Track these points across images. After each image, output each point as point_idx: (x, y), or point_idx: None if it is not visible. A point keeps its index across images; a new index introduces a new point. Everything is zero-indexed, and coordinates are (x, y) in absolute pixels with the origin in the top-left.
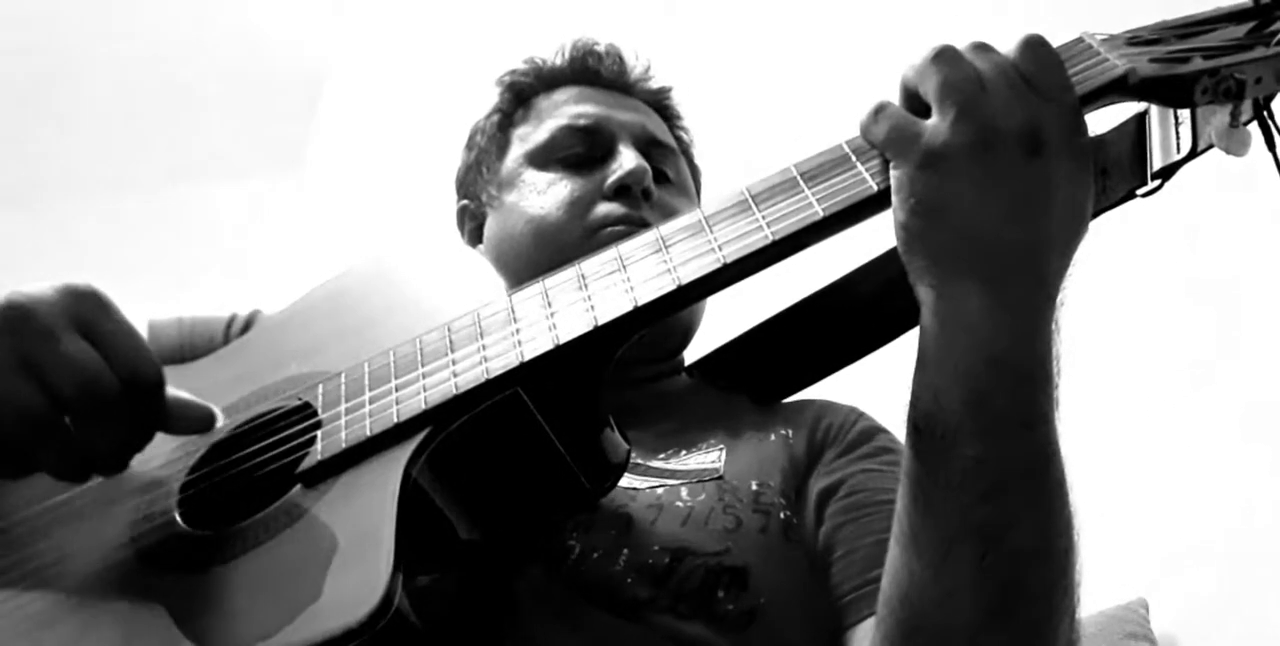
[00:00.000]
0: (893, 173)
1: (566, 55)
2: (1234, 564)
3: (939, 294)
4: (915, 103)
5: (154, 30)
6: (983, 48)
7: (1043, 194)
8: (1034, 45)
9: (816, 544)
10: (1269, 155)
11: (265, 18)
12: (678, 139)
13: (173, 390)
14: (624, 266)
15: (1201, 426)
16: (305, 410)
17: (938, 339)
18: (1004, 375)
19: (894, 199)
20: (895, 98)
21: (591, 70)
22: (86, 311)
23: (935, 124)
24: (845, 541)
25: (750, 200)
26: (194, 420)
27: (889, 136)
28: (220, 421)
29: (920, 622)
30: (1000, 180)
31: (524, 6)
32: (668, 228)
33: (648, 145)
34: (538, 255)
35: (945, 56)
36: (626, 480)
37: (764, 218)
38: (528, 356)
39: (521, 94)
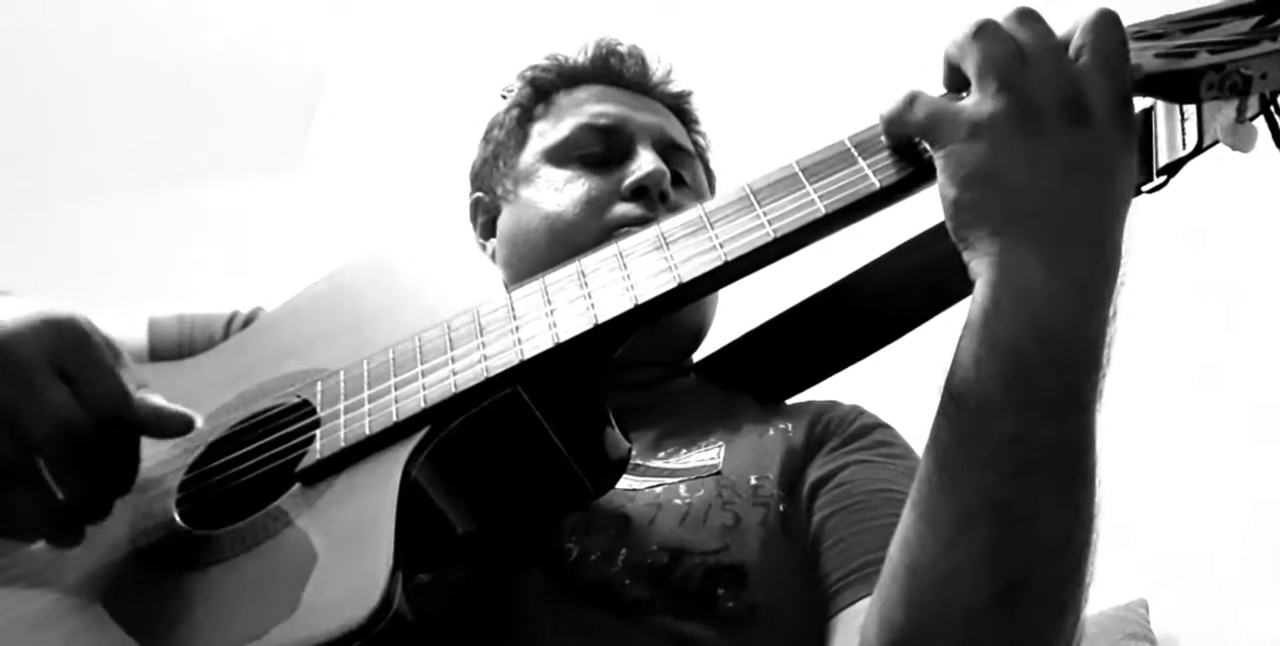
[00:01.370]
0: (937, 153)
1: (589, 54)
2: (1234, 564)
3: (999, 262)
4: (957, 77)
5: (154, 30)
6: (1025, 17)
7: (1094, 162)
8: (1106, 22)
9: (807, 533)
10: (1276, 151)
11: (265, 18)
12: (695, 143)
13: (149, 395)
14: (624, 264)
15: (1205, 426)
16: (304, 408)
17: (989, 309)
18: (1051, 352)
19: (941, 177)
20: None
21: (614, 70)
22: (65, 348)
23: (977, 99)
24: (833, 531)
25: (752, 197)
26: (169, 427)
27: (930, 119)
28: (199, 424)
29: (923, 595)
30: (1048, 148)
31: (523, 7)
32: (669, 224)
33: (666, 148)
34: (551, 252)
35: (985, 31)
36: (626, 481)
37: (765, 214)
38: (528, 355)
39: (542, 89)
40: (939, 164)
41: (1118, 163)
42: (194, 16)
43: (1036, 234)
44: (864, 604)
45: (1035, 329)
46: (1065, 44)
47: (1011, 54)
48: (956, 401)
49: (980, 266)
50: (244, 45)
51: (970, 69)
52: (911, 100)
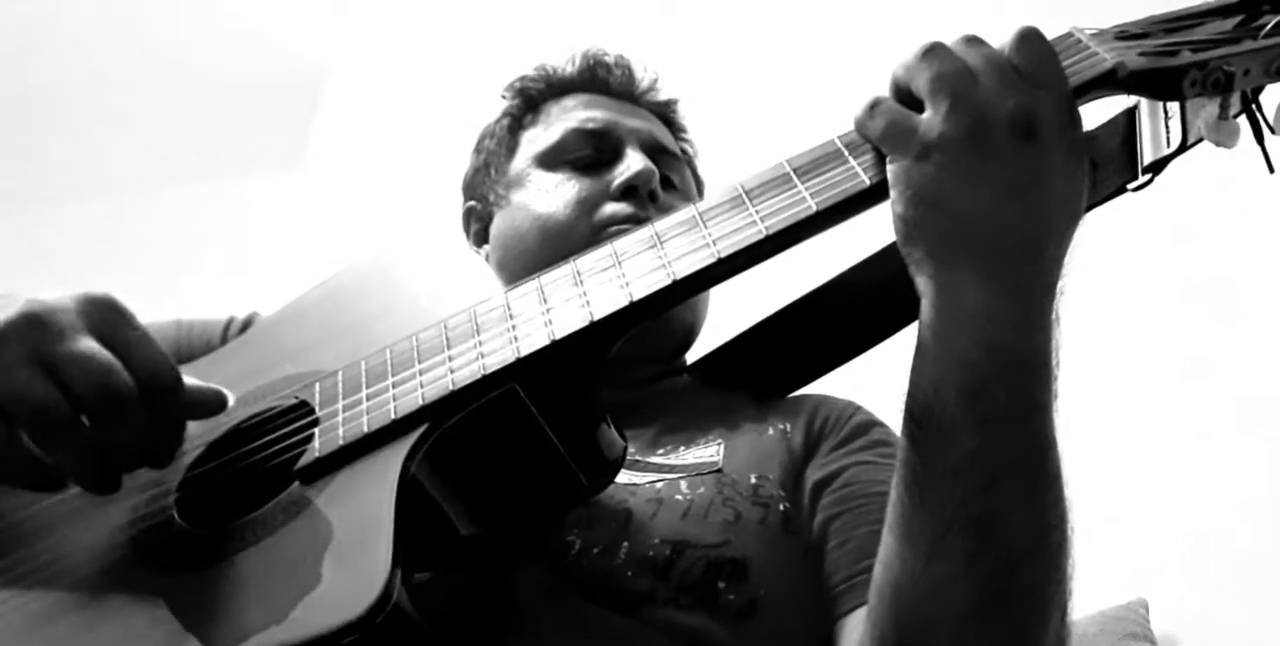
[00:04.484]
0: (889, 166)
1: (577, 64)
2: (1234, 563)
3: (938, 284)
4: (907, 99)
5: (154, 30)
6: (973, 41)
7: (1037, 181)
8: (1028, 37)
9: (811, 535)
10: (1258, 147)
11: (265, 18)
12: (683, 151)
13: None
14: (619, 262)
15: (1198, 424)
16: (303, 408)
17: (936, 329)
18: (1001, 365)
19: (892, 192)
20: (858, 101)
21: (601, 79)
22: (102, 316)
23: (929, 117)
24: (839, 532)
25: (744, 195)
26: (205, 405)
27: (885, 131)
28: (231, 402)
29: (910, 611)
30: (994, 169)
31: (523, 6)
32: (663, 224)
33: (654, 151)
34: (543, 253)
35: (935, 51)
36: (626, 476)
37: (758, 212)
38: (524, 352)
39: (531, 99)
40: (890, 177)
41: (1063, 180)
42: (194, 16)
43: (975, 256)
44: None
45: (983, 346)
46: (1013, 65)
47: (962, 72)
48: (918, 422)
49: (924, 285)
50: (244, 45)
51: (922, 88)
52: (873, 107)
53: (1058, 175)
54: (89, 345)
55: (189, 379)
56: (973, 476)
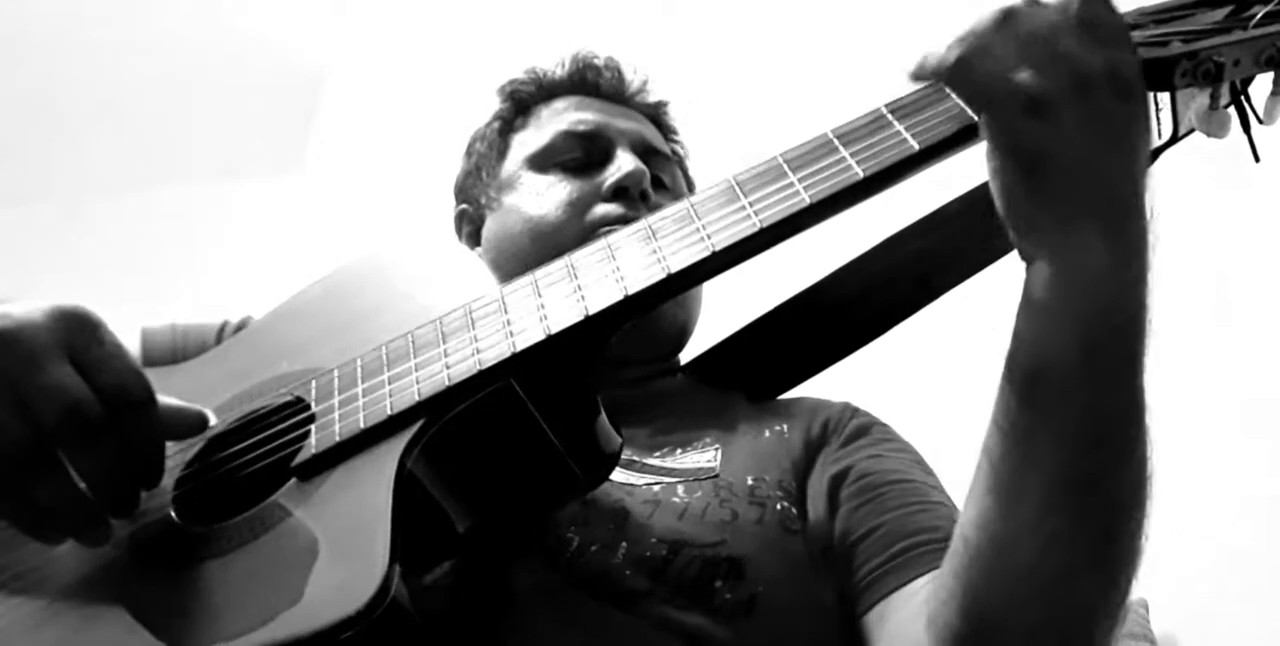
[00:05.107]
0: (992, 126)
1: (567, 67)
2: (1234, 562)
3: (1055, 245)
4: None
5: (153, 31)
6: (1034, 3)
7: (1136, 133)
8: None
9: (832, 530)
10: (1245, 138)
11: (265, 18)
12: (674, 152)
13: (160, 396)
14: (613, 256)
15: (1197, 423)
16: (298, 405)
17: (1055, 289)
18: (1116, 323)
19: (997, 155)
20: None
21: (591, 82)
22: (74, 335)
23: (1028, 75)
24: (865, 521)
25: (737, 188)
26: (184, 425)
27: (986, 82)
28: (212, 421)
29: (1017, 568)
30: (1102, 122)
31: (524, 7)
32: (656, 217)
33: (645, 152)
34: (535, 254)
35: (1015, 15)
36: (623, 476)
37: (752, 205)
38: (519, 347)
39: (522, 102)
40: (995, 142)
41: (1148, 130)
42: (194, 17)
43: (1097, 212)
44: (916, 585)
45: (1103, 304)
46: (1083, 23)
47: (1049, 31)
48: (1032, 379)
49: (1042, 248)
50: (244, 45)
51: (1010, 49)
52: (961, 60)
53: (1146, 125)
54: (57, 374)
55: (167, 399)
56: (1087, 433)
